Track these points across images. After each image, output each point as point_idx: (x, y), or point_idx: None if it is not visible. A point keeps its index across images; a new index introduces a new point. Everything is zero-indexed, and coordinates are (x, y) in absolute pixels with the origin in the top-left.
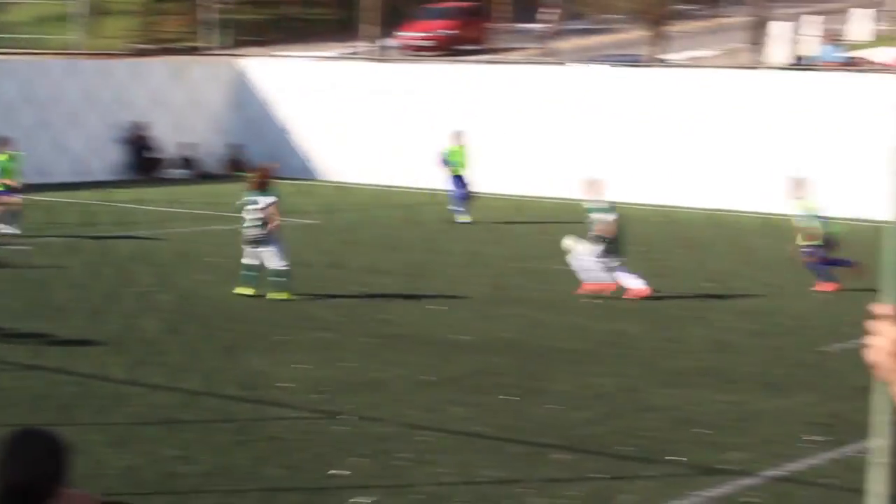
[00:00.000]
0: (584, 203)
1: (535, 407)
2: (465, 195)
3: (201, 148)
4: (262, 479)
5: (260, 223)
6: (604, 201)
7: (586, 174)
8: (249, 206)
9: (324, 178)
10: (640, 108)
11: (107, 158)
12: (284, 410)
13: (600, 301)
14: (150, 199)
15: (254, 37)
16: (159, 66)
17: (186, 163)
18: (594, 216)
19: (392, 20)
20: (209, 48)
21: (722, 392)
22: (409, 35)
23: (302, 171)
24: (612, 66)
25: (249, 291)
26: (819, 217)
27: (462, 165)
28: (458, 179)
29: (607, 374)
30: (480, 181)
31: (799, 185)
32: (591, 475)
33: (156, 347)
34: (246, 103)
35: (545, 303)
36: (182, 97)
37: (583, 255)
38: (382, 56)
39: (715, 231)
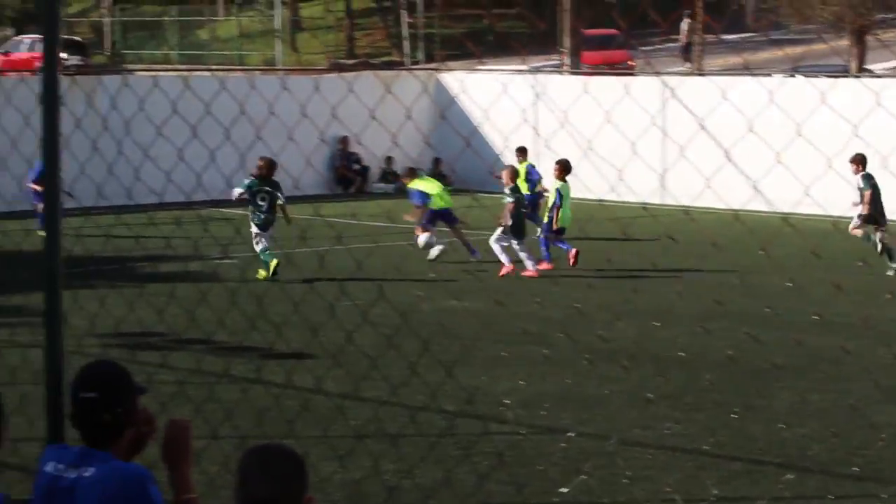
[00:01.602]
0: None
1: (753, 424)
2: None
3: (406, 162)
4: (487, 494)
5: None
6: (508, 187)
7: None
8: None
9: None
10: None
11: (317, 173)
12: (505, 426)
13: (817, 318)
14: (360, 213)
15: (453, 50)
16: (366, 81)
17: (392, 176)
18: (504, 201)
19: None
20: (411, 62)
21: None
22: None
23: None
24: (813, 76)
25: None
26: None
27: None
28: None
29: (826, 390)
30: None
31: None
32: (814, 495)
33: (375, 362)
34: (450, 117)
35: (760, 318)
36: (388, 112)
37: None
38: (580, 69)
39: None
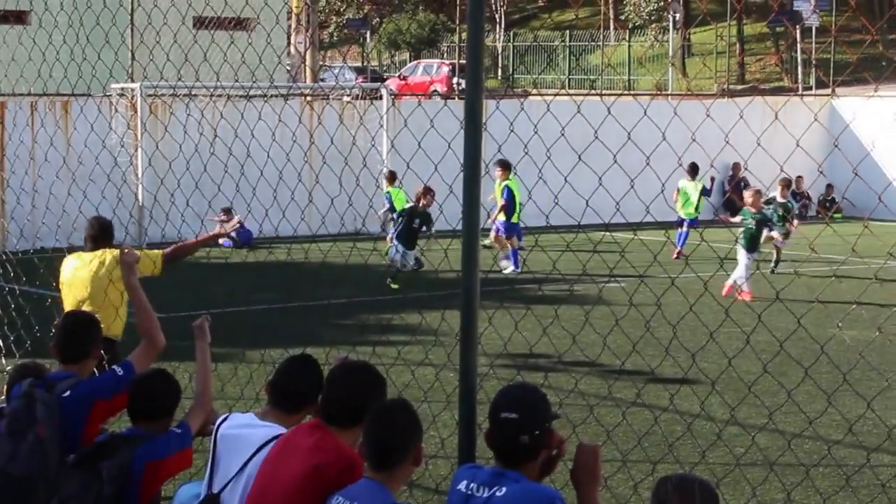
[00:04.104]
0: None
1: None
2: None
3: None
4: None
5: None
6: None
7: None
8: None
9: None
10: None
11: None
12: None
13: None
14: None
15: (849, 76)
16: (756, 107)
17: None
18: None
19: None
20: (803, 88)
21: None
22: None
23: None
24: None
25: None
26: None
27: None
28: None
29: None
30: None
31: None
32: None
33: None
34: (843, 144)
35: None
36: (779, 138)
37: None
38: None
39: None
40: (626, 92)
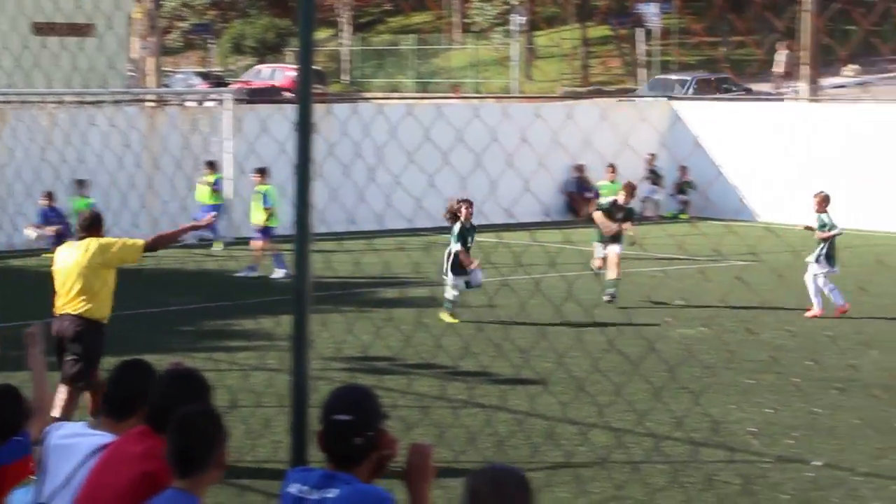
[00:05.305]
0: None
1: None
2: None
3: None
4: None
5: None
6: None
7: None
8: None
9: (755, 219)
10: None
11: (538, 200)
12: (749, 455)
13: None
14: (579, 240)
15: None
16: (589, 109)
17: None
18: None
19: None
20: (641, 90)
21: None
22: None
23: (734, 213)
24: None
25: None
26: None
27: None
28: None
29: None
30: None
31: None
32: None
33: (619, 388)
34: (675, 145)
35: None
36: (612, 139)
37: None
38: (816, 97)
39: None
40: (449, 95)
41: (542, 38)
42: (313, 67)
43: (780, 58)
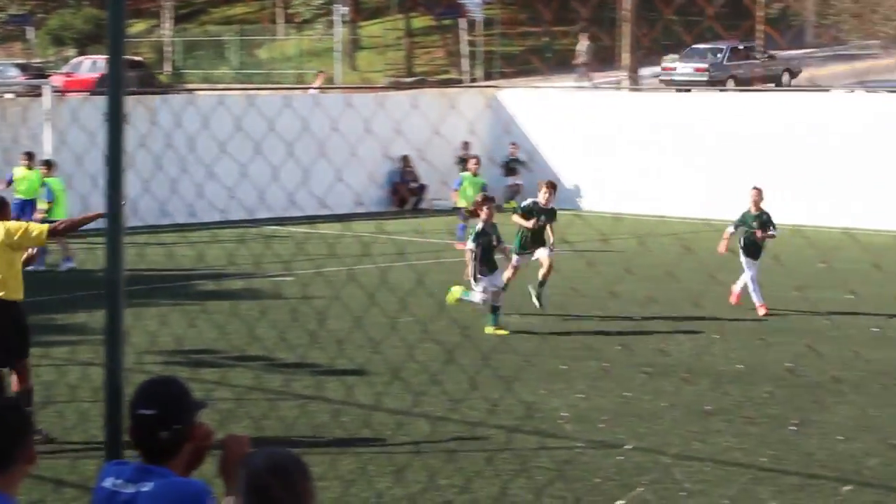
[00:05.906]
0: None
1: (810, 438)
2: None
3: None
4: None
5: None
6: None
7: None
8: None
9: (584, 209)
10: None
11: (380, 190)
12: (563, 440)
13: (877, 331)
14: (428, 231)
15: (512, 67)
16: (427, 99)
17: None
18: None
19: (657, 50)
20: (470, 80)
21: None
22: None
23: (563, 202)
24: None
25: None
26: None
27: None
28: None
29: (884, 404)
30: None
31: None
32: None
33: (435, 377)
34: (505, 134)
35: (819, 331)
36: (446, 129)
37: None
38: (638, 86)
39: None
40: (295, 86)
41: (367, 29)
42: (132, 58)
43: (582, 48)
